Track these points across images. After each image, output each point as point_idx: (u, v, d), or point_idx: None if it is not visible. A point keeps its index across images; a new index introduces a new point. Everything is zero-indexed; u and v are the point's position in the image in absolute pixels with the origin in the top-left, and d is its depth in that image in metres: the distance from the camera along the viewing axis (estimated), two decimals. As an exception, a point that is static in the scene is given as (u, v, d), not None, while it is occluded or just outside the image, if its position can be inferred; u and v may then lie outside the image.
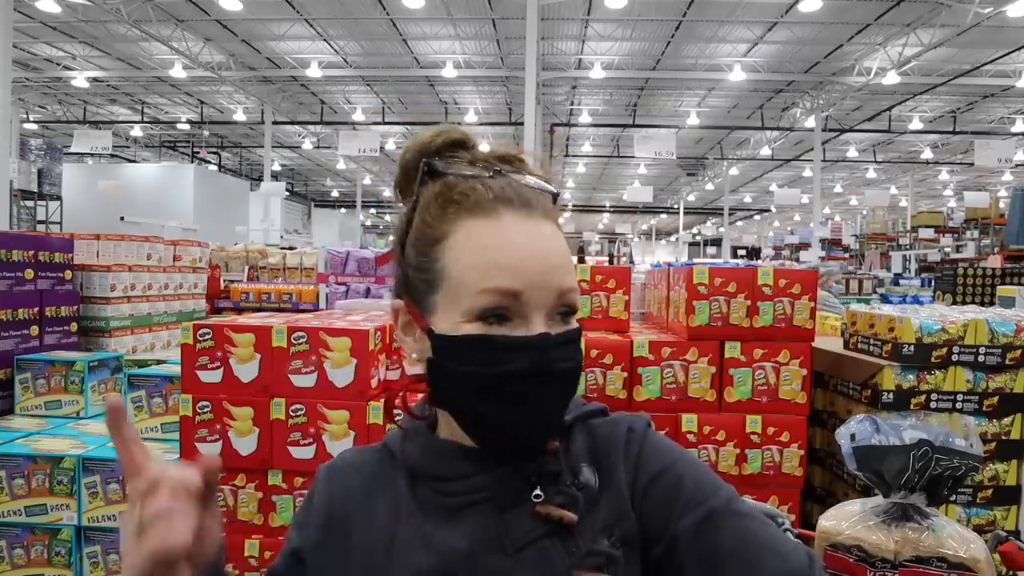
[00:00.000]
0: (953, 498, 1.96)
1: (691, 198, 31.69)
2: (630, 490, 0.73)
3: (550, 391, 0.69)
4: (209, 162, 25.41)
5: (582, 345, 0.74)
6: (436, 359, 0.71)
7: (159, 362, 2.79)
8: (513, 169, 0.73)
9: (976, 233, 14.34)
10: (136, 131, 22.76)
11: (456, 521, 0.71)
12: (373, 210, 35.80)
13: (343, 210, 33.73)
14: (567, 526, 0.69)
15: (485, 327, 0.68)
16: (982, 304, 5.34)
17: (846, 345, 2.33)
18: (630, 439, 0.76)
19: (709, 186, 28.43)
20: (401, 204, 0.76)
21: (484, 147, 0.76)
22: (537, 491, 0.71)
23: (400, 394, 0.84)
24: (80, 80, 16.83)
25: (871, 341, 2.14)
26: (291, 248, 9.35)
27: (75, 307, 3.07)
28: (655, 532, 0.71)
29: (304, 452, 1.98)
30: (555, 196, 0.75)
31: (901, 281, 9.76)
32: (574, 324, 0.72)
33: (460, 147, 0.75)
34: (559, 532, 0.69)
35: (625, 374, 2.15)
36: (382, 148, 13.48)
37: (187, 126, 21.96)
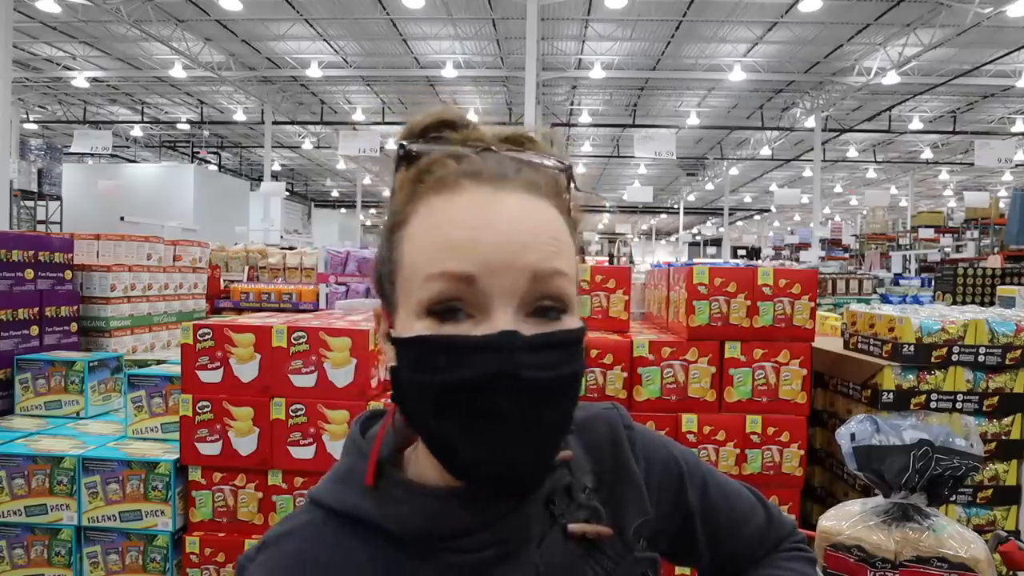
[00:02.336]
0: (953, 498, 1.95)
1: (691, 198, 31.68)
2: (645, 487, 0.72)
3: (522, 410, 0.53)
4: (209, 162, 25.41)
5: (580, 351, 0.58)
6: (393, 368, 0.58)
7: (159, 362, 2.79)
8: (512, 148, 0.60)
9: (976, 233, 14.34)
10: (136, 131, 22.76)
11: (497, 573, 0.59)
12: (373, 210, 35.79)
13: (343, 210, 33.74)
14: (599, 541, 0.64)
15: (437, 324, 0.54)
16: (982, 304, 5.34)
17: (846, 345, 2.33)
18: (631, 438, 0.74)
19: (709, 186, 28.43)
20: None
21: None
22: (559, 511, 0.64)
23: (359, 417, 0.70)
24: (80, 80, 16.83)
25: (871, 341, 2.14)
26: (291, 248, 9.34)
27: (75, 307, 3.07)
28: (668, 513, 0.73)
29: (304, 452, 1.98)
30: (566, 171, 0.62)
31: (901, 281, 9.75)
32: (566, 324, 0.57)
33: (449, 128, 0.62)
34: (591, 549, 0.64)
35: (625, 374, 2.15)
36: (382, 148, 13.45)
37: (187, 126, 21.96)
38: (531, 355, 0.53)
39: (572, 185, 0.63)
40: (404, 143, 0.61)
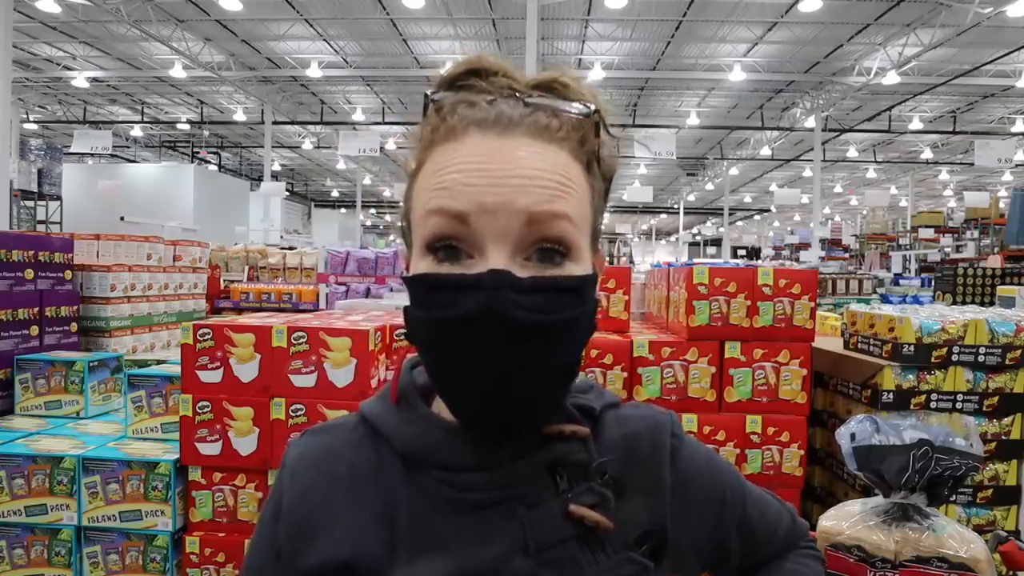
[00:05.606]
0: (953, 498, 1.95)
1: (691, 198, 31.69)
2: (671, 498, 0.69)
3: (509, 351, 0.54)
4: (209, 162, 25.41)
5: (580, 299, 0.58)
6: (406, 306, 0.61)
7: (159, 362, 2.79)
8: (542, 94, 0.61)
9: (976, 233, 14.34)
10: (136, 131, 22.76)
11: (473, 520, 0.61)
12: (373, 210, 35.80)
13: (343, 210, 33.75)
14: (596, 529, 0.62)
15: (435, 263, 0.57)
16: (982, 304, 5.34)
17: (846, 345, 2.33)
18: (675, 447, 0.71)
19: (709, 186, 28.43)
20: None
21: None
22: (564, 485, 0.63)
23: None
24: (80, 80, 16.84)
25: (871, 341, 2.14)
26: (291, 248, 9.35)
27: (75, 307, 3.07)
28: (703, 528, 0.72)
29: (304, 452, 1.98)
30: (591, 115, 0.62)
31: (901, 281, 9.76)
32: (568, 269, 0.57)
33: (477, 76, 0.64)
34: (588, 534, 0.62)
35: (625, 374, 2.15)
36: (382, 148, 13.46)
37: (187, 126, 21.97)
38: (521, 296, 0.54)
39: (602, 130, 0.64)
40: (428, 93, 0.65)
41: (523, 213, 0.55)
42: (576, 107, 0.62)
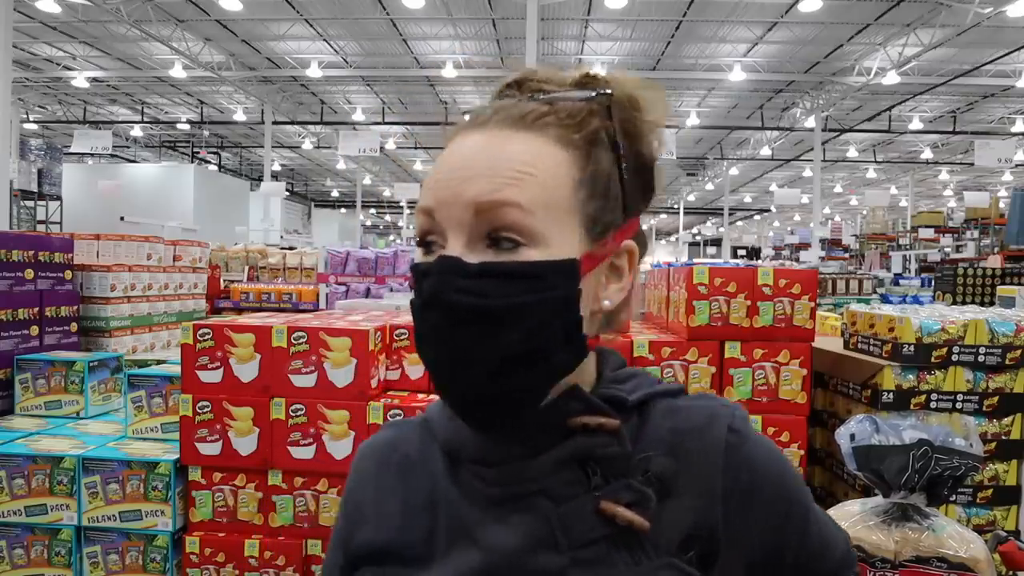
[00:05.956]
0: (953, 498, 1.95)
1: (691, 198, 31.68)
2: (724, 504, 0.62)
3: (452, 331, 0.56)
4: (209, 162, 25.41)
5: (534, 285, 0.57)
6: None
7: (159, 362, 2.79)
8: (568, 90, 0.63)
9: (976, 233, 14.34)
10: (136, 131, 22.76)
11: (502, 512, 0.61)
12: (373, 210, 35.80)
13: (343, 210, 33.75)
14: (632, 530, 0.59)
15: (422, 256, 0.62)
16: (982, 304, 5.34)
17: (846, 345, 2.33)
18: (733, 444, 0.64)
19: (709, 186, 28.44)
20: None
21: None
22: (597, 480, 0.61)
23: None
24: (80, 80, 16.84)
25: (871, 341, 2.14)
26: (291, 248, 9.35)
27: (75, 307, 3.07)
28: (758, 541, 0.64)
29: (304, 452, 1.98)
30: (595, 100, 0.62)
31: (901, 281, 9.76)
32: (525, 255, 0.57)
33: (516, 87, 0.66)
34: (625, 534, 0.59)
35: (625, 374, 2.15)
36: (382, 148, 13.49)
37: (187, 126, 21.97)
38: (467, 281, 0.56)
39: (629, 112, 0.63)
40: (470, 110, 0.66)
41: (471, 204, 0.57)
42: (578, 93, 0.62)
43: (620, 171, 0.63)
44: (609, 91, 0.62)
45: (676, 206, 32.04)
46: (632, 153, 0.64)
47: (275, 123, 19.48)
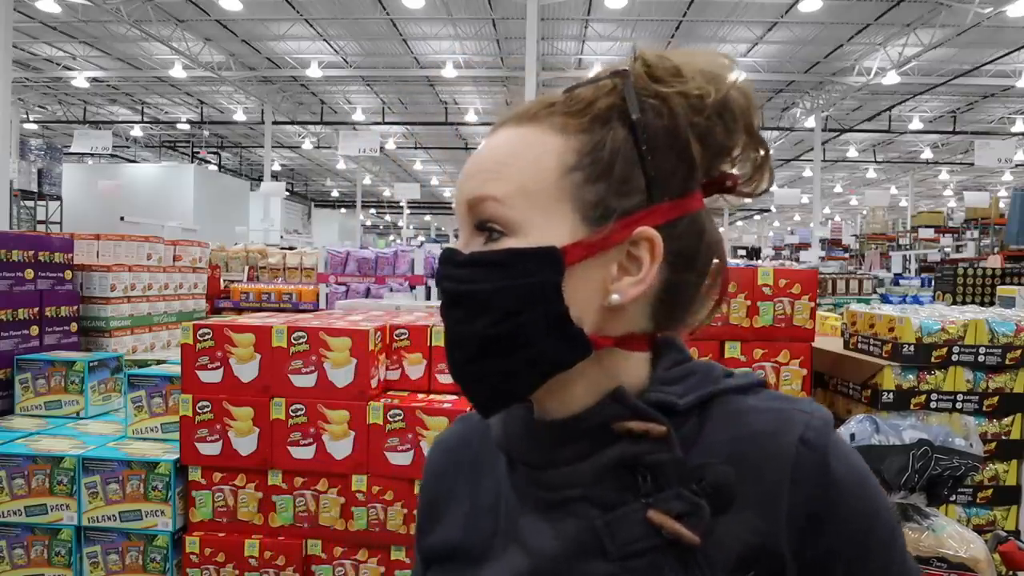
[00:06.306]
0: (953, 498, 1.95)
1: (691, 198, 31.60)
2: (788, 525, 0.56)
3: (448, 316, 0.60)
4: (209, 162, 25.41)
5: (505, 272, 0.57)
6: None
7: (159, 362, 2.79)
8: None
9: (976, 233, 14.33)
10: (136, 131, 22.76)
11: (549, 517, 0.60)
12: (373, 210, 35.79)
13: (343, 210, 33.73)
14: (683, 543, 0.55)
15: None
16: (982, 304, 5.34)
17: (846, 345, 2.33)
18: (804, 457, 0.56)
19: (709, 186, 28.37)
20: None
21: None
22: (647, 488, 0.57)
23: None
24: (80, 80, 16.84)
25: (871, 341, 2.14)
26: (291, 248, 9.35)
27: (75, 307, 3.07)
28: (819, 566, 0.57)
29: (304, 452, 1.98)
30: (611, 77, 0.61)
31: (901, 281, 9.75)
32: (505, 244, 0.57)
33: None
34: (677, 547, 0.55)
35: (625, 374, 2.15)
36: (382, 148, 13.49)
37: (187, 126, 21.97)
38: (455, 269, 0.59)
39: (633, 87, 0.59)
40: None
41: (465, 202, 0.60)
42: (598, 74, 0.62)
43: (638, 149, 0.58)
44: (626, 68, 0.60)
45: (676, 206, 31.97)
46: (658, 129, 0.58)
47: (275, 123, 19.49)
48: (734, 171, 0.63)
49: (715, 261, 0.63)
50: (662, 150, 0.58)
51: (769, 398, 0.62)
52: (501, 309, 0.57)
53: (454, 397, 2.06)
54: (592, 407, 0.60)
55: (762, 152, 0.63)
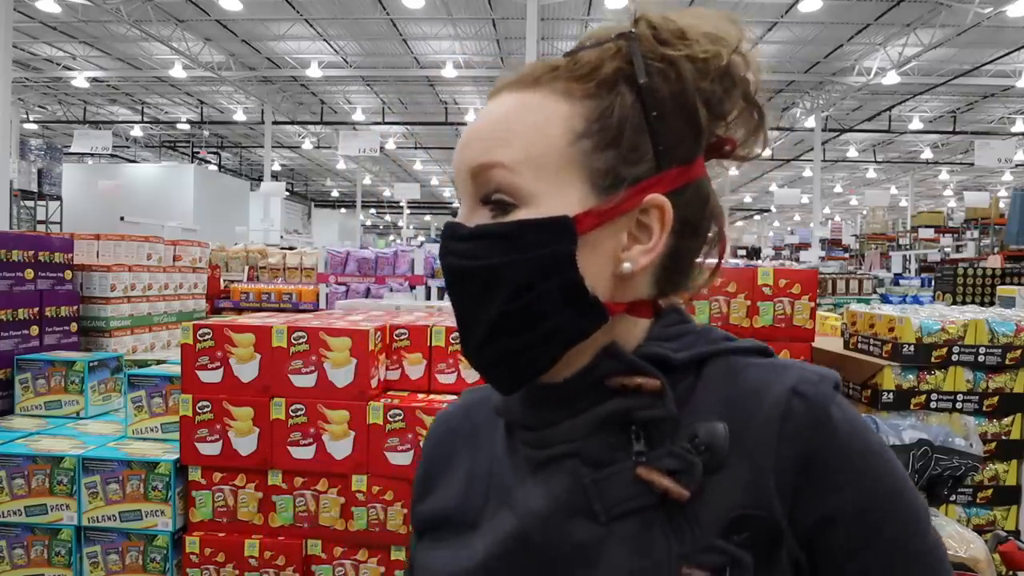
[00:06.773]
0: (953, 498, 1.95)
1: (691, 198, 31.59)
2: (777, 482, 0.52)
3: (452, 290, 0.59)
4: (209, 162, 25.41)
5: (510, 245, 0.55)
6: None
7: (159, 362, 2.79)
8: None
9: (976, 233, 14.34)
10: (136, 131, 22.76)
11: (539, 477, 0.59)
12: (373, 210, 35.79)
13: (343, 210, 33.72)
14: (678, 502, 0.53)
15: None
16: (982, 304, 5.34)
17: (846, 345, 2.33)
18: (796, 408, 0.53)
19: (709, 186, 28.36)
20: None
21: None
22: (640, 446, 0.55)
23: None
24: (80, 80, 16.84)
25: (871, 341, 2.14)
26: (291, 248, 9.35)
27: (75, 307, 3.06)
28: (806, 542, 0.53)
29: (304, 452, 1.98)
30: (616, 39, 0.58)
31: (901, 281, 9.76)
32: (514, 216, 0.55)
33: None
34: (668, 507, 0.53)
35: (625, 374, 2.15)
36: (382, 148, 13.49)
37: (187, 126, 21.97)
38: (458, 244, 0.57)
39: (639, 49, 0.57)
40: None
41: (466, 169, 0.58)
42: (601, 37, 0.59)
43: (646, 115, 0.56)
44: (631, 29, 0.57)
45: (676, 206, 31.97)
46: (665, 93, 0.56)
47: (275, 123, 19.48)
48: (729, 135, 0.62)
49: (715, 229, 0.63)
50: (670, 116, 0.57)
51: (775, 361, 0.60)
52: (513, 283, 0.55)
53: (454, 397, 2.05)
54: (587, 365, 0.59)
55: (757, 116, 0.61)
